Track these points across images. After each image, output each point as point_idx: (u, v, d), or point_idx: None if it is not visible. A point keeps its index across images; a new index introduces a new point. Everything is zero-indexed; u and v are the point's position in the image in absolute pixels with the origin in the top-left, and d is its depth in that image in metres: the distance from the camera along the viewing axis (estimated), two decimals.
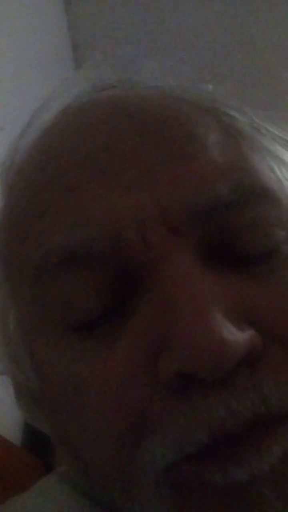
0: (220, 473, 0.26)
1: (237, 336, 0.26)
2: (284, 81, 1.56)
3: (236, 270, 0.29)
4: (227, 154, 0.30)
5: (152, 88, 0.35)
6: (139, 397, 0.27)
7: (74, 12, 1.70)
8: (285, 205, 0.31)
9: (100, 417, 0.28)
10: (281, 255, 0.29)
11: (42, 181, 0.31)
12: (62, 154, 0.31)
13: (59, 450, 0.34)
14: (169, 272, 0.27)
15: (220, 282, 0.27)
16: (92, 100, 0.35)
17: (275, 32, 1.60)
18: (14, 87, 1.24)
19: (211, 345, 0.25)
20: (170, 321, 0.26)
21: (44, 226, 0.30)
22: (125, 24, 1.63)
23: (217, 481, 0.26)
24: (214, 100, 0.34)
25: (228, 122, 0.32)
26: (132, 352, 0.28)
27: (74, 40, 1.69)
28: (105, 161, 0.30)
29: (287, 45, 1.59)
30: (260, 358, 0.27)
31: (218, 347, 0.25)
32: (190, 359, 0.25)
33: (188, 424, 0.26)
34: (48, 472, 0.38)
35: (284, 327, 0.28)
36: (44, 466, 0.98)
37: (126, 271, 0.29)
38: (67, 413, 0.30)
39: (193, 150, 0.30)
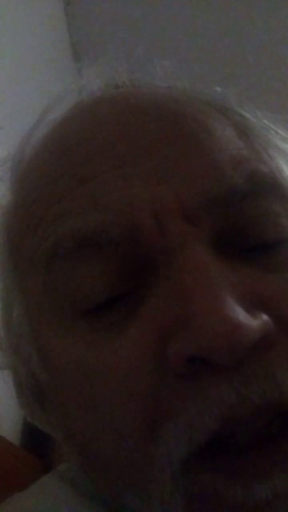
0: (241, 489, 0.26)
1: (250, 321, 0.26)
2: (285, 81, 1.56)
3: (248, 259, 0.29)
4: (240, 148, 0.31)
5: (164, 86, 0.36)
6: (150, 384, 0.27)
7: (74, 12, 1.70)
8: None
9: (113, 407, 0.28)
10: None
11: (58, 171, 0.31)
12: (79, 145, 0.32)
13: (64, 445, 0.34)
14: (185, 260, 0.28)
15: (233, 271, 0.28)
16: (107, 96, 0.36)
17: (280, 34, 1.60)
18: (13, 87, 1.23)
19: (227, 328, 0.25)
20: (185, 306, 0.26)
21: (58, 213, 0.30)
22: (124, 24, 1.63)
23: (237, 497, 0.26)
24: (225, 99, 0.35)
25: (240, 120, 0.33)
26: (142, 338, 0.28)
27: (73, 40, 1.69)
28: (123, 152, 0.30)
29: None
30: (272, 345, 0.27)
31: (233, 330, 0.25)
32: (205, 341, 0.25)
33: (198, 410, 0.26)
34: (47, 471, 0.38)
35: None
36: (43, 465, 0.98)
37: (140, 258, 0.29)
38: (76, 403, 0.30)
39: (209, 144, 0.30)
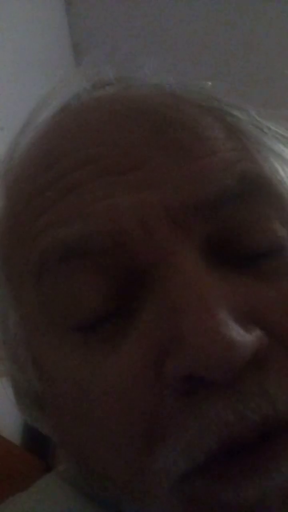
0: (232, 489, 0.26)
1: (245, 337, 0.25)
2: (284, 78, 1.56)
3: (240, 268, 0.28)
4: (231, 149, 0.30)
5: (151, 86, 0.35)
6: (148, 401, 0.27)
7: (75, 11, 1.70)
8: None
9: (110, 423, 0.28)
10: (286, 256, 0.29)
11: (45, 181, 0.31)
12: (65, 154, 0.31)
13: (61, 451, 0.34)
14: (175, 272, 0.27)
15: (225, 282, 0.27)
16: (93, 99, 0.35)
17: (275, 28, 1.60)
18: (14, 87, 1.23)
19: (219, 347, 0.25)
20: (177, 324, 0.26)
21: (44, 224, 0.30)
22: (125, 23, 1.63)
23: (229, 499, 0.26)
24: (216, 99, 0.34)
25: (231, 122, 0.32)
26: (138, 355, 0.27)
27: (74, 39, 1.69)
28: (110, 161, 0.30)
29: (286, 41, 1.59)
30: (266, 360, 0.27)
31: (227, 349, 0.25)
32: (198, 362, 0.25)
33: (197, 429, 0.26)
34: (48, 471, 0.37)
35: None
36: (44, 465, 0.98)
37: (129, 269, 0.28)
38: (72, 417, 0.30)
39: (199, 150, 0.30)
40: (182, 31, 1.62)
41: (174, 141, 0.30)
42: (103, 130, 0.31)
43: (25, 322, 0.32)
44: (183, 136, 0.30)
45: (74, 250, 0.29)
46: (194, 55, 1.52)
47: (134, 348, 0.28)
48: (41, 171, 0.32)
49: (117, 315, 0.29)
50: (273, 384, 0.26)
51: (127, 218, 0.28)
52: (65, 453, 0.33)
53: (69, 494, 0.33)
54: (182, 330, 0.26)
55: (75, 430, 0.30)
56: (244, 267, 0.28)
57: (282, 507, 0.26)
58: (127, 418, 0.27)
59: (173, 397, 0.26)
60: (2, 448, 0.96)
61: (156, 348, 0.27)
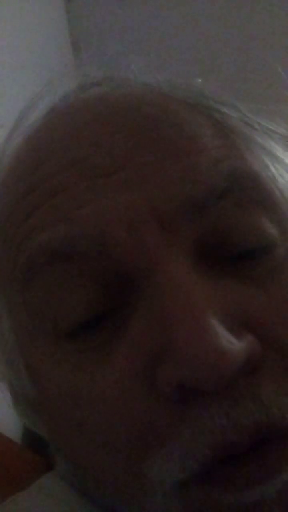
0: (232, 493, 0.26)
1: (235, 344, 0.25)
2: (278, 75, 1.55)
3: (230, 271, 0.28)
4: (220, 147, 0.30)
5: (139, 85, 0.34)
6: (140, 409, 0.27)
7: (74, 10, 1.69)
8: (279, 203, 0.30)
9: (103, 431, 0.28)
10: (276, 258, 0.29)
11: (29, 184, 0.30)
12: (50, 157, 0.31)
13: (57, 455, 0.34)
14: (164, 279, 0.27)
15: (215, 287, 0.27)
16: (79, 100, 0.34)
17: (270, 24, 1.60)
18: (14, 85, 1.23)
19: (209, 357, 0.24)
20: (167, 332, 0.26)
21: (29, 228, 0.30)
22: (125, 21, 1.63)
23: (229, 502, 0.26)
24: (204, 96, 0.33)
25: (219, 119, 0.32)
26: (129, 363, 0.27)
27: (74, 38, 1.69)
28: (95, 163, 0.29)
29: (281, 38, 1.59)
30: (259, 365, 0.26)
31: (218, 358, 0.24)
32: (189, 372, 0.25)
33: (191, 436, 0.26)
34: (49, 470, 0.37)
35: (281, 333, 0.27)
36: (45, 464, 0.98)
37: (116, 274, 0.28)
38: (65, 424, 0.30)
39: (186, 148, 0.29)
40: (182, 29, 1.62)
41: (159, 140, 0.29)
42: (87, 132, 0.30)
43: (16, 329, 0.32)
44: (169, 134, 0.30)
45: (59, 254, 0.28)
46: (194, 53, 1.51)
47: (125, 356, 0.27)
48: (26, 174, 0.31)
49: (109, 321, 0.28)
50: (266, 390, 0.26)
51: (112, 222, 0.28)
52: (59, 459, 0.33)
53: (69, 494, 0.33)
54: (171, 340, 0.25)
55: (69, 437, 0.30)
56: (234, 270, 0.28)
57: (281, 510, 0.26)
58: (120, 426, 0.27)
59: (166, 405, 0.26)
60: (2, 447, 0.96)
61: (147, 356, 0.27)
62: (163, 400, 0.26)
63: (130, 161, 0.29)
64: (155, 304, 0.27)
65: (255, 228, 0.29)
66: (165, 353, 0.26)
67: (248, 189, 0.29)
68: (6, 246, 0.31)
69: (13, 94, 1.15)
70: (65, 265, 0.28)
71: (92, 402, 0.28)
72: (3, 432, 0.98)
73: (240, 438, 0.25)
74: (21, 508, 0.33)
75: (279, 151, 0.33)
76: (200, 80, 0.35)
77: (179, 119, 0.30)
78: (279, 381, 0.26)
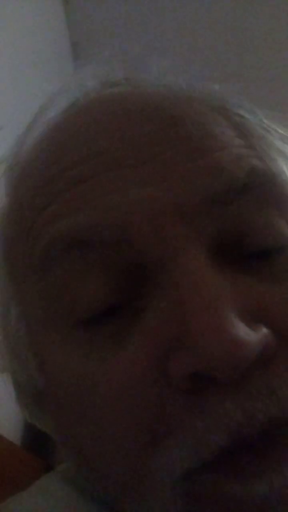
0: (240, 485, 0.26)
1: (251, 336, 0.25)
2: (284, 81, 1.56)
3: (246, 267, 0.29)
4: (240, 146, 0.31)
5: (160, 86, 0.35)
6: (153, 398, 0.27)
7: (73, 10, 1.69)
8: None
9: (113, 420, 0.28)
10: None
11: (51, 174, 0.31)
12: (73, 148, 0.31)
13: (62, 448, 0.34)
14: (183, 271, 0.27)
15: (232, 281, 0.27)
16: (102, 97, 0.35)
17: (276, 30, 1.60)
18: (13, 86, 1.23)
19: (226, 346, 0.25)
20: (183, 321, 0.26)
21: (49, 216, 0.30)
22: (124, 22, 1.63)
23: (236, 493, 0.26)
24: (224, 99, 0.34)
25: (239, 122, 0.32)
26: (143, 353, 0.27)
27: (73, 38, 1.69)
28: (120, 155, 0.30)
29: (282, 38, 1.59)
30: (273, 359, 0.27)
31: (234, 348, 0.25)
32: (205, 360, 0.25)
33: (205, 426, 0.26)
34: (48, 471, 0.38)
35: None
36: (44, 465, 0.98)
37: (135, 264, 0.28)
38: (75, 413, 0.30)
39: (209, 146, 0.30)
40: (182, 29, 1.62)
41: (184, 137, 0.30)
42: (113, 125, 0.31)
43: (27, 317, 0.32)
44: (193, 132, 0.30)
45: (79, 241, 0.29)
46: (193, 55, 1.51)
47: (138, 345, 0.27)
48: (48, 164, 0.31)
49: (123, 311, 0.28)
50: (280, 383, 0.26)
51: (136, 212, 0.28)
52: (65, 451, 0.33)
53: (69, 494, 0.33)
54: (189, 329, 0.26)
55: (77, 427, 0.30)
56: (249, 267, 0.29)
57: None
58: (131, 415, 0.27)
59: (177, 395, 0.26)
60: (2, 448, 0.96)
61: (161, 346, 0.27)
62: (174, 390, 0.26)
63: (155, 156, 0.29)
64: (172, 294, 0.27)
65: (272, 229, 0.29)
66: (180, 342, 0.26)
67: (266, 188, 0.30)
68: (23, 234, 0.31)
69: (12, 96, 1.15)
70: (84, 253, 0.29)
71: (102, 391, 0.28)
72: (3, 434, 0.98)
73: (252, 430, 0.26)
74: (21, 508, 0.33)
75: None
76: (217, 85, 0.36)
77: (201, 119, 0.31)
78: None
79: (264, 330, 0.26)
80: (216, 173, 0.29)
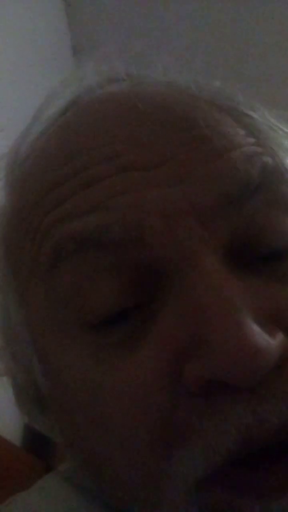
0: (259, 505, 0.25)
1: (270, 343, 0.25)
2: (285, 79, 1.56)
3: (258, 270, 0.28)
4: (252, 146, 0.30)
5: (163, 83, 0.34)
6: (165, 404, 0.26)
7: (74, 12, 1.70)
8: None
9: (125, 425, 0.27)
10: None
11: (59, 176, 0.30)
12: (83, 150, 0.30)
13: (66, 451, 0.33)
14: (198, 274, 0.27)
15: (247, 285, 0.27)
16: (107, 94, 0.34)
17: (278, 29, 1.60)
18: (14, 88, 1.23)
19: (247, 353, 0.24)
20: (200, 328, 0.26)
21: (58, 217, 0.29)
22: (125, 24, 1.63)
23: (253, 508, 0.26)
24: (232, 99, 0.33)
25: (249, 122, 0.32)
26: (157, 358, 0.27)
27: (74, 41, 1.69)
28: (134, 157, 0.29)
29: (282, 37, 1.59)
30: (286, 362, 0.26)
31: (254, 355, 0.24)
32: (224, 366, 0.25)
33: (216, 431, 0.25)
34: (48, 472, 0.38)
35: None
36: (44, 466, 0.98)
37: (147, 266, 0.28)
38: (84, 418, 0.29)
39: (221, 146, 0.30)
40: (183, 32, 1.62)
41: (197, 138, 0.30)
42: (124, 126, 0.30)
43: (31, 321, 0.31)
44: (205, 133, 0.30)
45: (90, 241, 0.28)
46: (194, 54, 1.51)
47: (153, 350, 0.27)
48: (58, 165, 0.30)
49: (135, 314, 0.28)
50: None
51: (149, 212, 0.28)
52: (72, 455, 0.33)
53: (70, 494, 0.33)
54: (206, 335, 0.25)
55: (86, 432, 0.29)
56: (262, 269, 0.28)
57: None
58: (144, 422, 0.27)
59: (190, 399, 0.26)
60: (2, 448, 0.96)
61: (174, 351, 0.26)
62: (187, 395, 0.26)
63: (170, 157, 0.29)
64: (188, 298, 0.26)
65: (284, 230, 0.29)
66: (196, 348, 0.26)
67: (277, 186, 0.29)
68: (28, 235, 0.30)
69: (12, 98, 1.15)
70: (94, 253, 0.28)
71: (113, 396, 0.27)
72: (3, 434, 0.98)
73: (266, 433, 0.25)
74: (21, 508, 0.33)
75: None
76: (221, 84, 0.35)
77: (212, 119, 0.31)
78: None
79: (281, 335, 0.26)
80: (229, 174, 0.29)
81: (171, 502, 0.27)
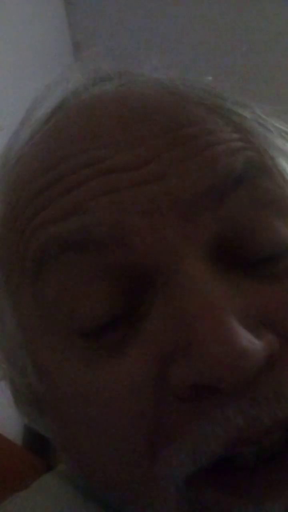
0: (253, 506, 0.25)
1: (256, 344, 0.25)
2: (284, 74, 1.56)
3: (245, 271, 0.28)
4: (237, 141, 0.30)
5: (151, 80, 0.34)
6: (151, 406, 0.27)
7: (75, 11, 1.70)
8: None
9: (113, 428, 0.27)
10: None
11: (45, 182, 0.30)
12: (68, 155, 0.30)
13: (61, 454, 0.34)
14: (181, 276, 0.26)
15: (232, 286, 0.27)
16: (93, 97, 0.34)
17: (276, 24, 1.60)
18: (14, 86, 1.23)
19: (230, 357, 0.24)
20: (185, 332, 0.26)
21: (42, 221, 0.29)
22: (125, 22, 1.63)
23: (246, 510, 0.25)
24: (219, 96, 0.33)
25: (236, 120, 0.32)
26: (143, 362, 0.27)
27: (74, 39, 1.69)
28: (116, 162, 0.29)
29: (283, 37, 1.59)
30: (278, 363, 0.26)
31: (238, 358, 0.24)
32: (209, 371, 0.25)
33: (203, 433, 0.25)
34: (48, 471, 0.38)
35: None
36: (45, 465, 0.98)
37: (134, 268, 0.27)
38: (75, 422, 0.29)
39: (206, 142, 0.29)
40: (183, 30, 1.62)
41: (182, 137, 0.29)
42: (108, 131, 0.30)
43: (23, 325, 0.31)
44: (191, 131, 0.30)
45: (72, 243, 0.28)
46: (193, 53, 1.51)
47: (138, 354, 0.27)
48: (41, 172, 0.31)
49: (123, 318, 0.28)
50: (285, 386, 0.26)
51: (131, 211, 0.27)
52: (65, 456, 0.33)
53: (69, 493, 0.33)
54: (190, 339, 0.25)
55: (77, 435, 0.30)
56: (249, 270, 0.28)
57: None
58: (131, 424, 0.27)
59: (177, 402, 0.26)
60: (2, 448, 0.96)
61: (161, 355, 0.27)
62: (173, 398, 0.26)
63: (154, 157, 0.29)
64: (173, 303, 0.26)
65: (271, 231, 0.28)
66: (181, 352, 0.26)
67: (264, 181, 0.29)
68: (16, 241, 0.31)
69: (13, 97, 1.15)
70: (78, 257, 0.28)
71: (102, 399, 0.27)
72: (4, 434, 0.98)
73: (257, 434, 0.25)
74: (21, 508, 0.33)
75: None
76: (211, 80, 0.35)
77: (198, 119, 0.31)
78: None
79: (269, 336, 0.26)
80: (211, 166, 0.28)
81: (162, 501, 0.27)
